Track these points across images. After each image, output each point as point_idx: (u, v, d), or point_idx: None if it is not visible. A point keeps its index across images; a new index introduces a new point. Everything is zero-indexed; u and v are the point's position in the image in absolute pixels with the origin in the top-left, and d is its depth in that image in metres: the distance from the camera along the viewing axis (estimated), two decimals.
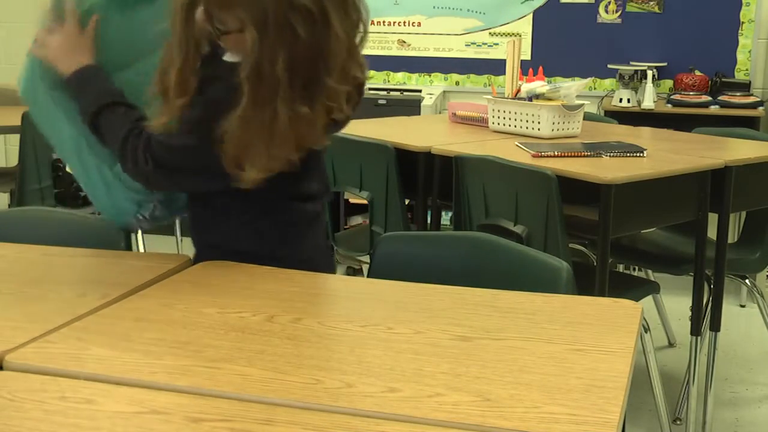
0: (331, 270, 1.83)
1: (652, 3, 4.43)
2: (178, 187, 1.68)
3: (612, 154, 2.64)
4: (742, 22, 4.34)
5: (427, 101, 4.36)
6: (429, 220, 2.97)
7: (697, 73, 4.33)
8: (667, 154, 2.74)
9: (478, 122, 3.29)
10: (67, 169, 3.65)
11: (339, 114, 1.58)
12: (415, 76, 4.80)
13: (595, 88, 4.54)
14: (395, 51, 4.80)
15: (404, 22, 4.76)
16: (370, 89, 4.62)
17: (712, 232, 2.68)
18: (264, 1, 1.44)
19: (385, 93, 4.48)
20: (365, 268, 3.52)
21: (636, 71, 4.24)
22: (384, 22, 4.77)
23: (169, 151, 1.55)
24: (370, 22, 1.59)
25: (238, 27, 1.48)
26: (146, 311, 1.35)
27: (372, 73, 4.84)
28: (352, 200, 3.94)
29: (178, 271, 1.54)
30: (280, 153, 1.50)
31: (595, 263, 2.60)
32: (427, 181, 2.85)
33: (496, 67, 4.64)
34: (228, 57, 1.56)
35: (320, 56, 1.49)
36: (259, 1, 1.44)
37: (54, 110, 1.67)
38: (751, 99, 4.15)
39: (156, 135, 1.55)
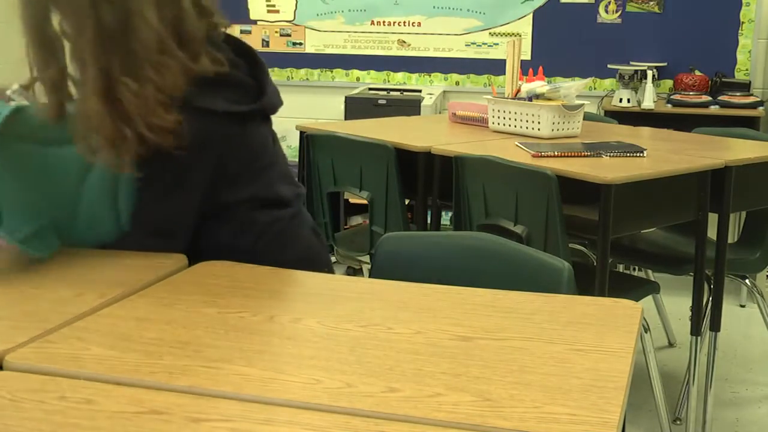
0: (328, 267, 1.83)
1: (652, 3, 4.43)
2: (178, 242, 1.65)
3: (612, 154, 2.64)
4: (742, 22, 4.34)
5: (427, 101, 4.36)
6: (429, 220, 2.97)
7: (697, 73, 4.33)
8: (667, 154, 2.74)
9: (478, 122, 3.29)
10: None
11: (176, 91, 1.52)
12: (415, 76, 4.80)
13: (595, 88, 4.54)
14: (395, 51, 4.80)
15: (404, 22, 4.76)
16: (370, 89, 4.62)
17: (712, 232, 2.68)
18: None
19: (385, 93, 4.48)
20: (365, 268, 3.51)
21: (636, 71, 4.24)
22: (384, 22, 4.77)
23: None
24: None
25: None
26: (146, 311, 1.35)
27: (372, 73, 4.85)
28: (352, 200, 3.94)
29: (177, 271, 1.54)
30: (119, 127, 1.51)
31: (595, 263, 2.60)
32: (427, 181, 2.85)
33: (496, 67, 4.64)
34: None
35: (130, 34, 1.51)
36: None
37: None
38: (751, 99, 4.15)
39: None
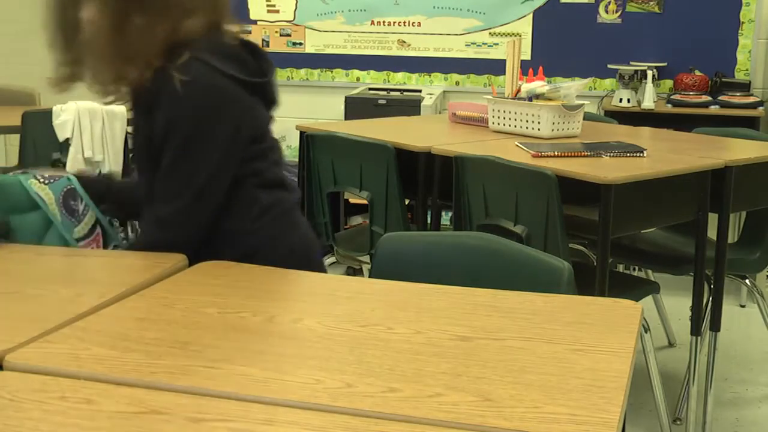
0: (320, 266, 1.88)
1: (652, 3, 4.43)
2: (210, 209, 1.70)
3: (612, 154, 2.64)
4: (742, 22, 4.34)
5: (427, 101, 4.36)
6: (429, 220, 2.97)
7: (697, 73, 4.33)
8: (667, 154, 2.74)
9: (478, 122, 3.29)
10: (68, 168, 3.66)
11: (194, 35, 1.65)
12: (415, 76, 4.80)
13: (595, 88, 4.54)
14: (395, 51, 4.80)
15: (404, 22, 4.76)
16: (370, 89, 4.62)
17: (712, 232, 2.68)
18: None
19: (385, 93, 4.48)
20: (365, 268, 3.52)
21: (636, 71, 4.24)
22: (384, 22, 4.77)
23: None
24: None
25: None
26: (146, 311, 1.35)
27: (372, 73, 4.85)
28: (352, 200, 3.94)
29: (175, 270, 1.54)
30: (124, 65, 1.63)
31: (595, 263, 2.60)
32: (427, 181, 2.85)
33: (496, 67, 4.64)
34: None
35: None
36: None
37: None
38: (751, 99, 4.15)
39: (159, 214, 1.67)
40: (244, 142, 1.69)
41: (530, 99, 3.03)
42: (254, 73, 1.72)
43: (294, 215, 1.80)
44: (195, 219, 1.67)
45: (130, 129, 3.90)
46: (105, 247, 1.79)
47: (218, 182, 1.66)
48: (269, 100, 1.79)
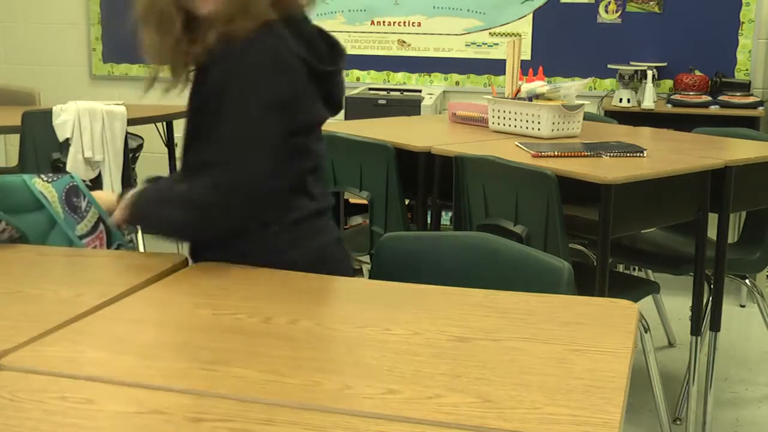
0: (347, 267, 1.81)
1: (652, 3, 4.43)
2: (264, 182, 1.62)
3: (612, 154, 2.64)
4: (742, 22, 4.34)
5: (427, 101, 4.36)
6: (429, 220, 2.97)
7: (697, 73, 4.33)
8: (667, 154, 2.74)
9: (478, 122, 3.29)
10: (68, 168, 3.66)
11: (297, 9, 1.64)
12: (415, 76, 4.80)
13: (595, 88, 4.54)
14: (395, 51, 4.80)
15: (404, 22, 4.76)
16: (370, 89, 4.62)
17: (712, 232, 2.68)
18: None
19: (385, 93, 4.48)
20: (365, 268, 3.51)
21: (636, 71, 4.24)
22: (384, 22, 4.77)
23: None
24: None
25: None
26: (142, 313, 1.35)
27: (372, 73, 4.84)
28: (352, 200, 3.94)
29: (175, 271, 1.54)
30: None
31: (595, 263, 2.60)
32: (427, 181, 2.85)
33: (496, 67, 4.64)
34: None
35: None
36: None
37: None
38: (751, 99, 4.15)
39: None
40: (290, 119, 1.63)
41: (530, 99, 3.03)
42: (324, 61, 1.67)
43: (311, 226, 1.71)
44: (254, 160, 1.58)
45: (130, 129, 3.90)
46: (108, 246, 1.78)
47: (274, 133, 1.60)
48: (331, 101, 1.74)
